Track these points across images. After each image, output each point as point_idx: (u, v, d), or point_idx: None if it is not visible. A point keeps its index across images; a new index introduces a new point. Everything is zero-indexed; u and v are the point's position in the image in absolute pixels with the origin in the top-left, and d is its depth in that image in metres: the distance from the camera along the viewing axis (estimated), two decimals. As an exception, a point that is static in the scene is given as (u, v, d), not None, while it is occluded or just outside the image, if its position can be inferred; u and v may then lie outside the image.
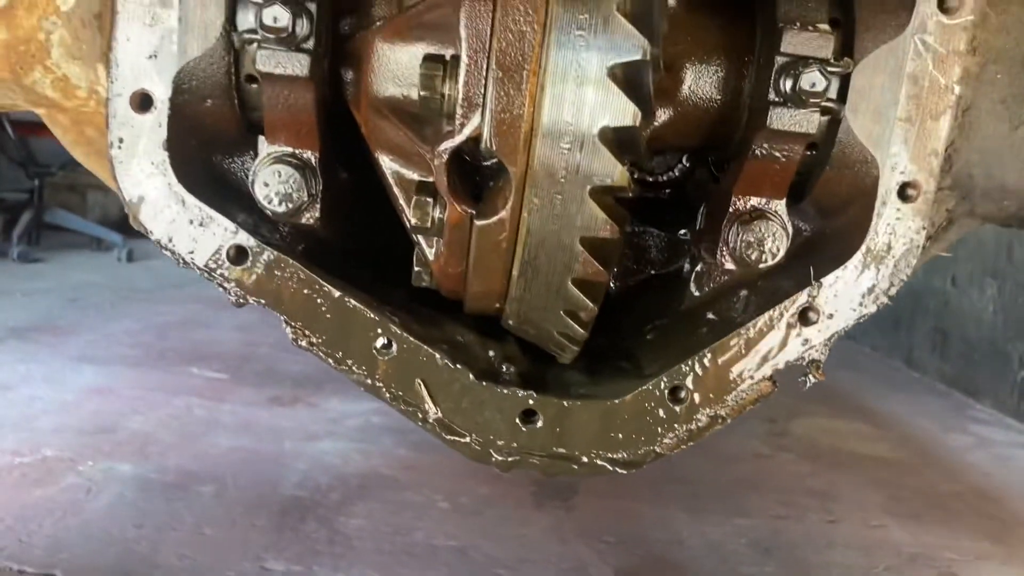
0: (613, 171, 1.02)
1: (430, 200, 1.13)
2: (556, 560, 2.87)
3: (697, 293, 1.38)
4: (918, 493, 3.65)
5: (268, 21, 1.06)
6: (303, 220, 1.21)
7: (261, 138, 1.27)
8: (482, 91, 1.01)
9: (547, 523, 3.11)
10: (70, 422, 3.80)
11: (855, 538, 3.17)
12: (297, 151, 1.19)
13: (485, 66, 1.01)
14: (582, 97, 1.00)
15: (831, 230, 1.30)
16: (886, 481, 3.76)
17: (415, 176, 1.21)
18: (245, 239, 1.21)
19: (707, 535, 3.11)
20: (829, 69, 1.12)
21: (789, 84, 1.12)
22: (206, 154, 1.27)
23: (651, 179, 1.49)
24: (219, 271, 1.21)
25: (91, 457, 3.43)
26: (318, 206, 1.21)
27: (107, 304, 6.06)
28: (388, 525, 3.04)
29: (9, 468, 3.25)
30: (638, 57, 0.97)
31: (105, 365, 4.57)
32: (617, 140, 1.01)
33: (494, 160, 1.06)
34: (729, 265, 1.26)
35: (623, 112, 0.99)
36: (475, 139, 1.04)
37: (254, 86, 1.21)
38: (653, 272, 1.49)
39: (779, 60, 1.13)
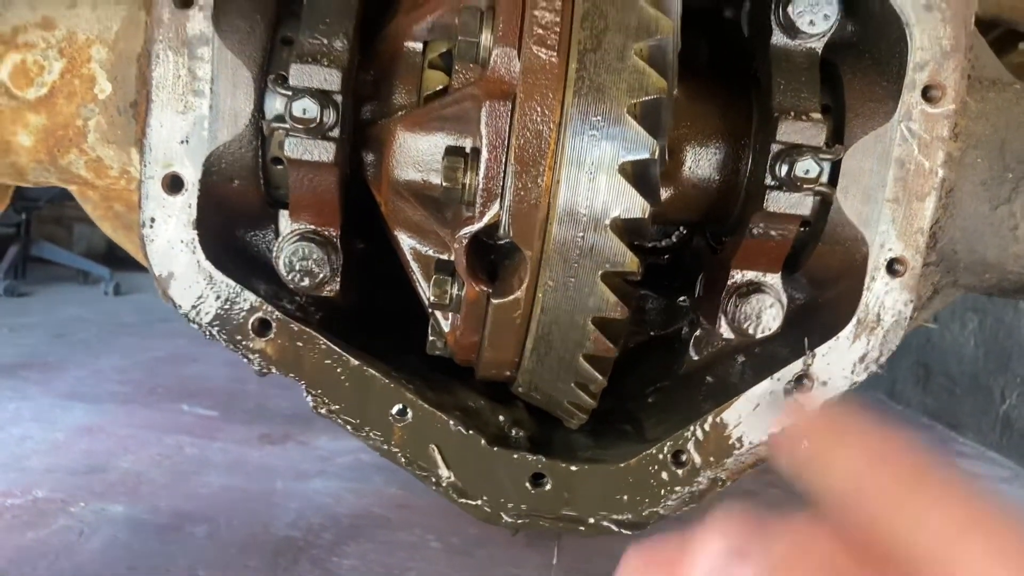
0: (624, 258, 1.09)
1: (448, 278, 1.19)
2: (548, 600, 2.90)
3: (696, 357, 1.45)
4: (902, 528, 3.71)
5: (298, 112, 1.13)
6: (324, 293, 1.27)
7: (283, 212, 1.33)
8: (501, 183, 1.08)
9: (538, 562, 3.13)
10: (61, 462, 3.78)
11: (841, 575, 3.22)
12: (320, 228, 1.25)
13: (504, 160, 1.08)
14: (595, 190, 1.07)
15: (823, 300, 1.38)
16: (871, 516, 3.82)
17: (431, 252, 1.27)
18: (268, 312, 1.27)
19: None
20: (822, 156, 1.19)
21: (785, 170, 1.19)
22: (230, 229, 1.33)
23: (650, 246, 1.56)
24: (244, 342, 1.27)
25: (83, 498, 3.41)
26: (338, 279, 1.26)
27: (95, 339, 6.04)
28: (381, 566, 3.05)
29: (0, 510, 3.25)
30: (647, 156, 1.05)
31: (95, 403, 4.55)
32: (627, 229, 1.08)
33: (509, 241, 1.13)
34: (728, 335, 1.33)
35: (633, 205, 1.06)
36: (493, 225, 1.11)
37: (279, 167, 1.27)
38: (652, 334, 1.56)
39: (775, 147, 1.20)
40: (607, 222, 1.07)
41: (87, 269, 8.16)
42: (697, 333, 1.45)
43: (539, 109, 1.06)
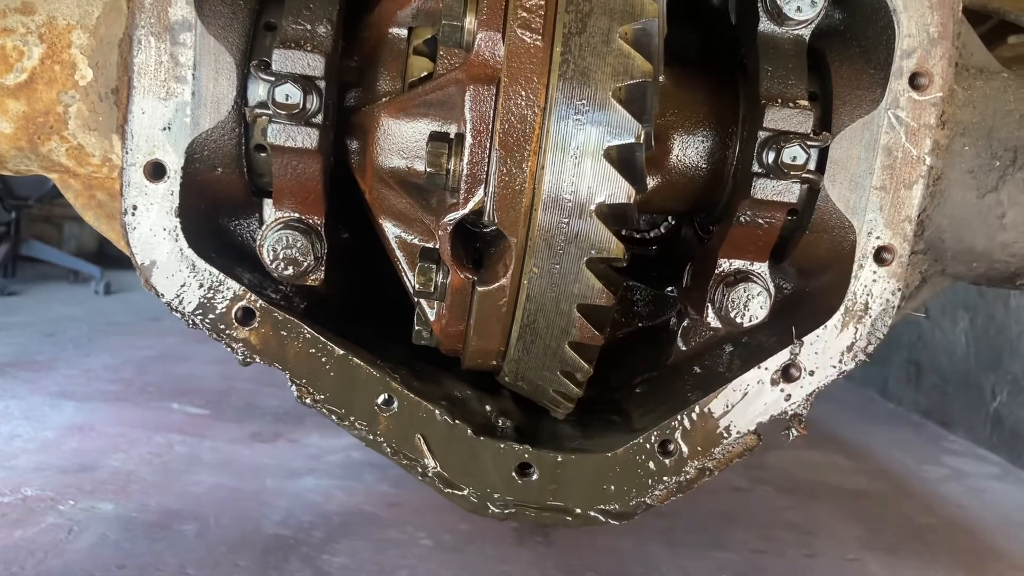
0: (609, 244, 1.08)
1: (433, 266, 1.18)
2: (539, 596, 2.89)
3: (684, 347, 1.44)
4: (894, 526, 3.71)
5: (280, 98, 1.12)
6: (308, 282, 1.25)
7: (267, 201, 1.32)
8: (485, 168, 1.07)
9: (528, 559, 3.12)
10: (50, 460, 3.76)
11: (833, 573, 3.22)
12: (304, 216, 1.24)
13: (488, 145, 1.07)
14: (580, 175, 1.06)
15: (811, 289, 1.37)
16: (863, 514, 3.82)
17: (416, 240, 1.26)
18: (252, 301, 1.26)
19: (687, 569, 3.15)
20: (809, 143, 1.18)
21: (772, 157, 1.18)
22: (213, 217, 1.32)
23: (638, 236, 1.55)
24: (227, 331, 1.26)
25: (72, 496, 3.39)
26: (323, 268, 1.25)
27: (85, 338, 6.01)
28: (372, 564, 3.04)
29: (-11, 508, 3.23)
30: (631, 140, 1.04)
31: (85, 401, 4.54)
32: (612, 215, 1.07)
33: (494, 228, 1.12)
34: (715, 324, 1.32)
35: (618, 190, 1.05)
36: (478, 211, 1.10)
37: (263, 155, 1.26)
38: (640, 325, 1.55)
39: (762, 134, 1.19)
40: (592, 208, 1.06)
41: (77, 268, 8.13)
42: (685, 323, 1.44)
43: (523, 93, 1.05)
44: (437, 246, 1.20)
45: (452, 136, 1.12)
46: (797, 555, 3.32)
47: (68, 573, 2.82)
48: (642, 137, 1.04)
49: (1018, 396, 4.66)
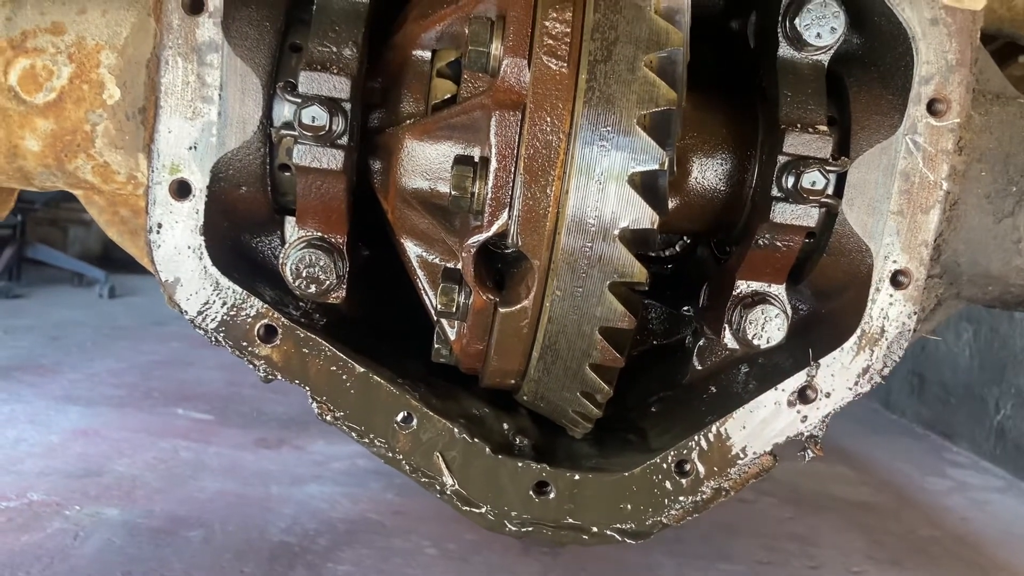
0: (632, 268, 1.09)
1: (455, 287, 1.20)
2: (543, 607, 2.90)
3: (700, 367, 1.45)
4: (898, 538, 3.73)
5: (307, 120, 1.13)
6: (330, 300, 1.27)
7: (288, 219, 1.34)
8: (510, 192, 1.09)
9: (534, 570, 3.14)
10: (56, 465, 3.77)
11: (837, 585, 3.23)
12: (326, 235, 1.25)
13: (513, 170, 1.08)
14: (604, 201, 1.08)
15: (827, 311, 1.38)
16: (867, 526, 3.83)
17: (437, 260, 1.28)
18: (275, 318, 1.27)
19: (692, 578, 3.16)
20: (828, 168, 1.20)
21: (791, 181, 1.20)
22: (236, 234, 1.33)
23: (653, 255, 1.57)
24: (250, 348, 1.27)
25: (78, 501, 3.41)
26: (344, 287, 1.26)
27: (90, 342, 6.03)
28: (377, 572, 3.05)
29: (-5, 513, 3.24)
30: (656, 167, 1.05)
31: (90, 406, 4.56)
32: (635, 240, 1.09)
33: (517, 250, 1.13)
34: (732, 345, 1.33)
35: (642, 216, 1.07)
36: (502, 234, 1.11)
37: (287, 174, 1.27)
38: (655, 343, 1.56)
39: (781, 159, 1.21)
40: (616, 232, 1.08)
41: (82, 271, 8.13)
42: (701, 343, 1.45)
43: (549, 119, 1.06)
44: (459, 266, 1.21)
45: (477, 160, 1.13)
46: (801, 567, 3.33)
47: (74, 578, 2.83)
48: (666, 164, 1.06)
49: (1022, 409, 4.67)
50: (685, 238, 1.56)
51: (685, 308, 1.50)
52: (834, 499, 4.13)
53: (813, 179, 1.19)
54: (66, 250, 8.92)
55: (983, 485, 4.65)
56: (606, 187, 1.07)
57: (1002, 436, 4.84)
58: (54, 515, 3.26)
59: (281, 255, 1.26)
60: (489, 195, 1.10)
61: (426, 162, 1.20)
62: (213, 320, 1.27)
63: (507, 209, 1.09)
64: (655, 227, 1.08)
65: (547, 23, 1.07)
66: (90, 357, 5.61)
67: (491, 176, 1.09)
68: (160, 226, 1.23)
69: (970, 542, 3.78)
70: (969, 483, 4.66)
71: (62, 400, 4.63)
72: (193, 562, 3.03)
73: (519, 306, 1.15)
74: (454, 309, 1.20)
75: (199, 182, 1.22)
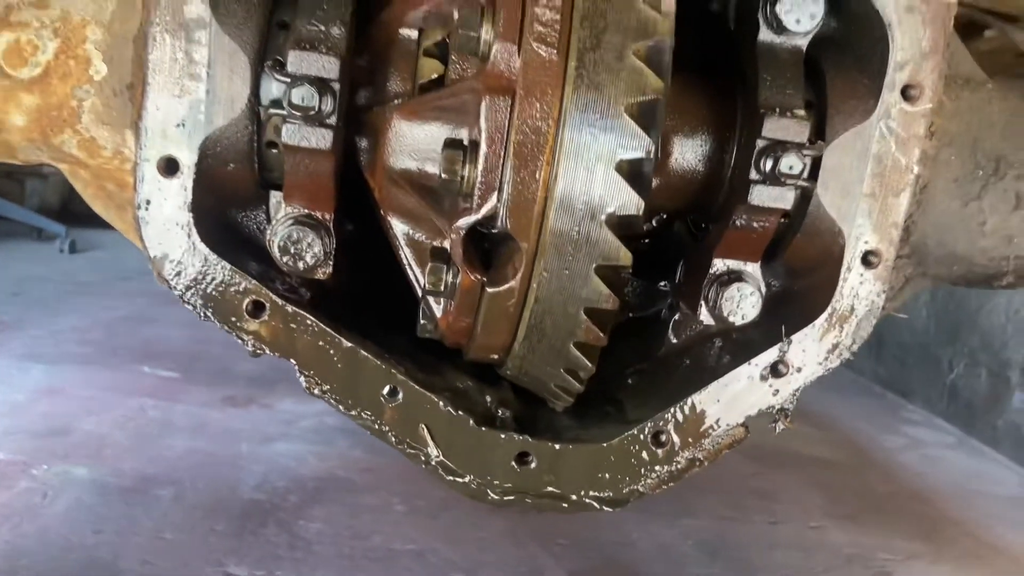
0: (618, 252, 1.13)
1: (443, 266, 1.22)
2: (513, 563, 2.96)
3: (675, 340, 1.50)
4: (855, 494, 3.85)
5: (296, 100, 1.14)
6: (317, 275, 1.29)
7: (274, 194, 1.35)
8: (499, 176, 1.11)
9: (502, 526, 3.19)
10: (21, 424, 3.74)
11: (796, 539, 3.34)
12: (314, 212, 1.27)
13: (503, 155, 1.10)
14: (591, 186, 1.10)
15: (799, 288, 1.43)
16: (826, 482, 3.95)
17: (423, 238, 1.30)
18: (262, 294, 1.29)
19: (656, 536, 3.24)
20: (805, 152, 1.23)
21: (769, 165, 1.23)
22: (222, 209, 1.34)
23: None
24: (238, 324, 1.29)
25: (45, 460, 3.39)
26: (331, 262, 1.28)
27: (52, 298, 5.94)
28: (347, 529, 3.09)
29: (-39, 473, 3.22)
30: (642, 155, 1.08)
31: (54, 364, 4.51)
32: (621, 224, 1.12)
33: (506, 232, 1.16)
34: (708, 320, 1.38)
35: (628, 202, 1.10)
36: (491, 217, 1.14)
37: (274, 151, 1.28)
38: (631, 315, 1.60)
39: (760, 143, 1.24)
40: (603, 217, 1.11)
41: (42, 226, 7.97)
42: (676, 317, 1.50)
43: (538, 105, 1.09)
44: (446, 245, 1.24)
45: (466, 143, 1.15)
46: (762, 522, 3.44)
47: (45, 537, 2.83)
48: (652, 152, 1.09)
49: (974, 369, 4.81)
50: (662, 214, 1.59)
51: (662, 283, 1.54)
52: (795, 456, 4.24)
53: (791, 163, 1.23)
54: (23, 203, 8.72)
55: (936, 442, 4.79)
56: (593, 173, 1.10)
57: (955, 395, 4.98)
58: (21, 474, 3.24)
59: (269, 231, 1.28)
60: (479, 179, 1.12)
61: (414, 142, 1.22)
62: (201, 296, 1.28)
63: (496, 192, 1.12)
64: (640, 213, 1.11)
65: (537, 10, 1.08)
66: (53, 313, 5.53)
67: (481, 160, 1.11)
68: (148, 203, 1.23)
69: (924, 497, 3.91)
70: (923, 440, 4.80)
71: (25, 358, 4.57)
72: (164, 520, 3.03)
73: (507, 286, 1.18)
74: (442, 288, 1.22)
75: (187, 159, 1.23)
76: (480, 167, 1.11)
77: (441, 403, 1.34)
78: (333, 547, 2.96)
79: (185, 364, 4.69)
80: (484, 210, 1.13)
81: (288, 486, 3.39)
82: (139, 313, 5.68)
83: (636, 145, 1.09)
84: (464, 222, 1.15)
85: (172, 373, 4.58)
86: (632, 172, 1.10)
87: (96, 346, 4.91)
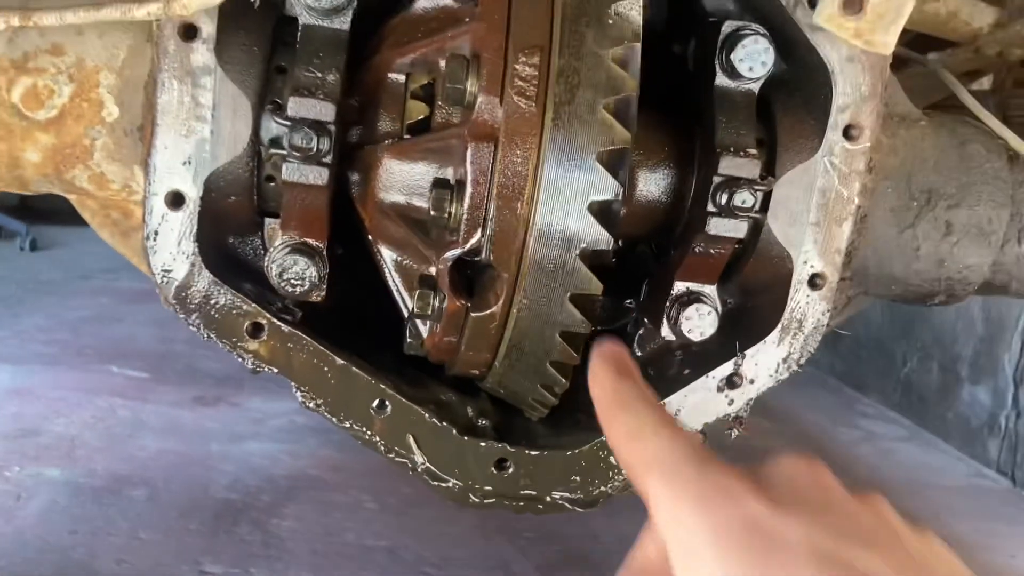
0: (590, 283, 1.26)
1: (431, 292, 1.34)
2: (481, 557, 3.07)
3: (639, 353, 1.63)
4: (812, 487, 4.00)
5: (296, 142, 1.25)
6: (311, 299, 1.39)
7: (269, 221, 1.46)
8: (483, 214, 1.23)
9: (471, 522, 3.29)
10: (-10, 425, 3.77)
11: (750, 532, 3.48)
12: (309, 240, 1.38)
13: (487, 195, 1.22)
14: (566, 223, 1.23)
15: (752, 306, 1.57)
16: (783, 475, 4.09)
17: (410, 263, 1.41)
18: (261, 316, 1.39)
19: (620, 530, 3.34)
20: (756, 187, 1.37)
21: (724, 199, 1.36)
22: (222, 237, 1.44)
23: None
24: (239, 344, 1.39)
25: (17, 462, 3.44)
26: (324, 286, 1.39)
27: (14, 298, 5.92)
28: (319, 526, 3.18)
29: (-67, 476, 3.25)
30: (611, 197, 1.21)
31: (21, 364, 4.52)
32: (592, 257, 1.24)
33: (489, 262, 1.28)
34: (669, 336, 1.50)
35: (599, 238, 1.23)
36: (475, 250, 1.26)
37: (271, 184, 1.39)
38: (599, 329, 1.73)
39: (716, 179, 1.37)
40: (576, 252, 1.23)
41: (0, 223, 7.91)
42: (641, 332, 1.62)
43: (519, 152, 1.21)
44: (432, 272, 1.36)
45: (453, 183, 1.27)
46: (718, 515, 3.57)
47: (21, 539, 2.89)
48: (620, 194, 1.22)
49: (926, 363, 4.98)
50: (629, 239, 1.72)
51: (628, 301, 1.66)
52: (753, 449, 4.36)
53: (744, 198, 1.36)
54: (-20, 201, 8.64)
55: (890, 435, 4.97)
56: (568, 212, 1.22)
57: (908, 388, 5.17)
58: (-7, 477, 3.28)
59: (267, 259, 1.38)
60: (465, 215, 1.24)
61: (404, 179, 1.33)
62: (205, 318, 1.38)
63: (481, 228, 1.24)
64: (610, 247, 1.24)
65: (518, 66, 1.20)
66: (16, 313, 5.52)
67: (467, 199, 1.23)
68: (156, 234, 1.34)
69: (877, 490, 4.07)
70: (877, 432, 4.98)
71: (-9, 359, 4.58)
72: (139, 521, 3.10)
73: (489, 311, 1.30)
74: (429, 312, 1.34)
75: (193, 193, 1.33)
76: (466, 205, 1.23)
77: (426, 414, 1.46)
78: (306, 544, 3.04)
79: (153, 363, 4.72)
80: (470, 243, 1.24)
81: (260, 485, 3.46)
82: (104, 312, 5.69)
83: (606, 188, 1.21)
84: (451, 254, 1.26)
85: (140, 373, 4.61)
86: (602, 211, 1.22)
87: (62, 346, 4.93)
